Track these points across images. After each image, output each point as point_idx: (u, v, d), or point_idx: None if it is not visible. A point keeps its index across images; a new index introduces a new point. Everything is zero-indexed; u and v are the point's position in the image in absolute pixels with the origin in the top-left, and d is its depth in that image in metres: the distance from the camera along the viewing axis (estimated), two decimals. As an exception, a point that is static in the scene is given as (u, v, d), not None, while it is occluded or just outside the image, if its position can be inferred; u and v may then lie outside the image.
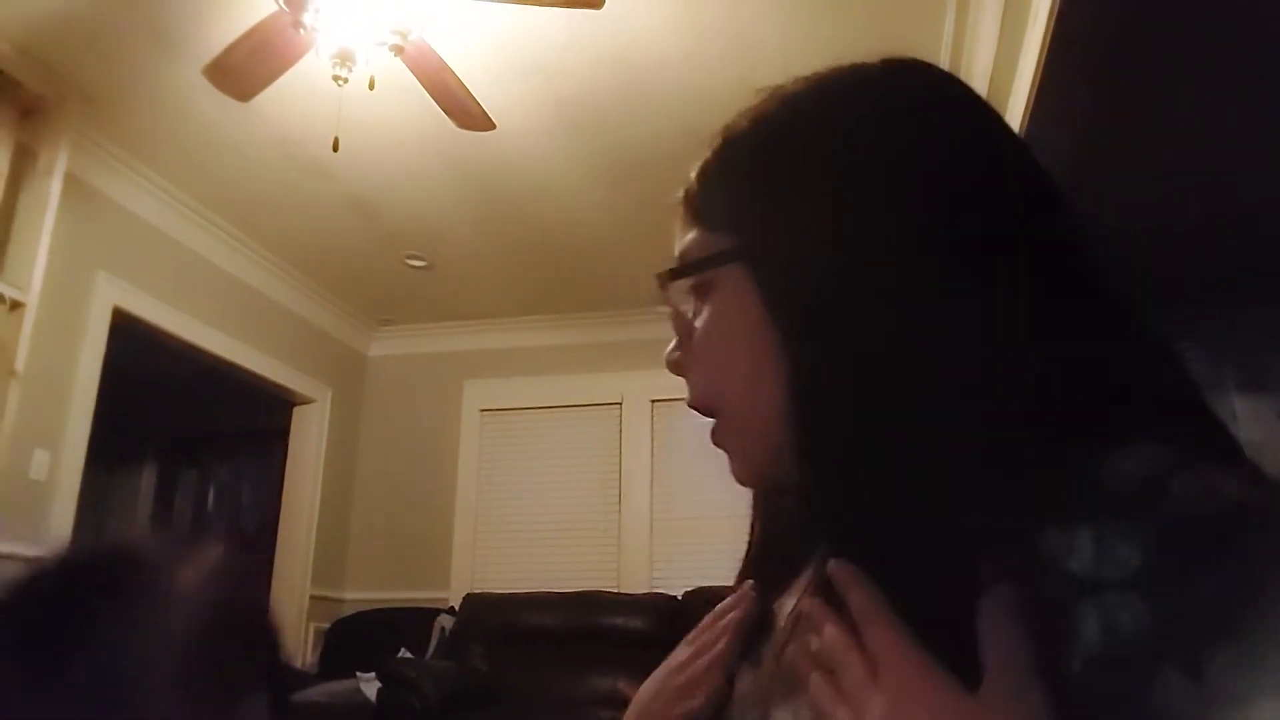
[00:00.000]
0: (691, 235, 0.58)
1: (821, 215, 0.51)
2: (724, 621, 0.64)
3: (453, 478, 4.71)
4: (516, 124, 3.01)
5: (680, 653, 0.67)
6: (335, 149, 2.51)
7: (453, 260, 4.15)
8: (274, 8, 2.24)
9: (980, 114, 0.58)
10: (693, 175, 0.63)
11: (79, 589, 0.54)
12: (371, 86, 2.36)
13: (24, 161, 2.79)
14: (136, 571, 0.56)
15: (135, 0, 2.52)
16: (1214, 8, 2.03)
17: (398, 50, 2.32)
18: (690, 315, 0.57)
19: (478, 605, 4.06)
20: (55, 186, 2.81)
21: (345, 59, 2.29)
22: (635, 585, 4.22)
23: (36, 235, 2.75)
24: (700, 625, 0.67)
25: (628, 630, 3.82)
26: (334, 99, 2.49)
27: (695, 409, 0.58)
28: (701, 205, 0.60)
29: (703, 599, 3.94)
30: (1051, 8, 1.85)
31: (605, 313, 4.62)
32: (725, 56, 2.73)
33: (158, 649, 0.52)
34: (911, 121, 0.56)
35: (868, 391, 0.47)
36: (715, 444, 0.58)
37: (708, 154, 0.63)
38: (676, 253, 0.60)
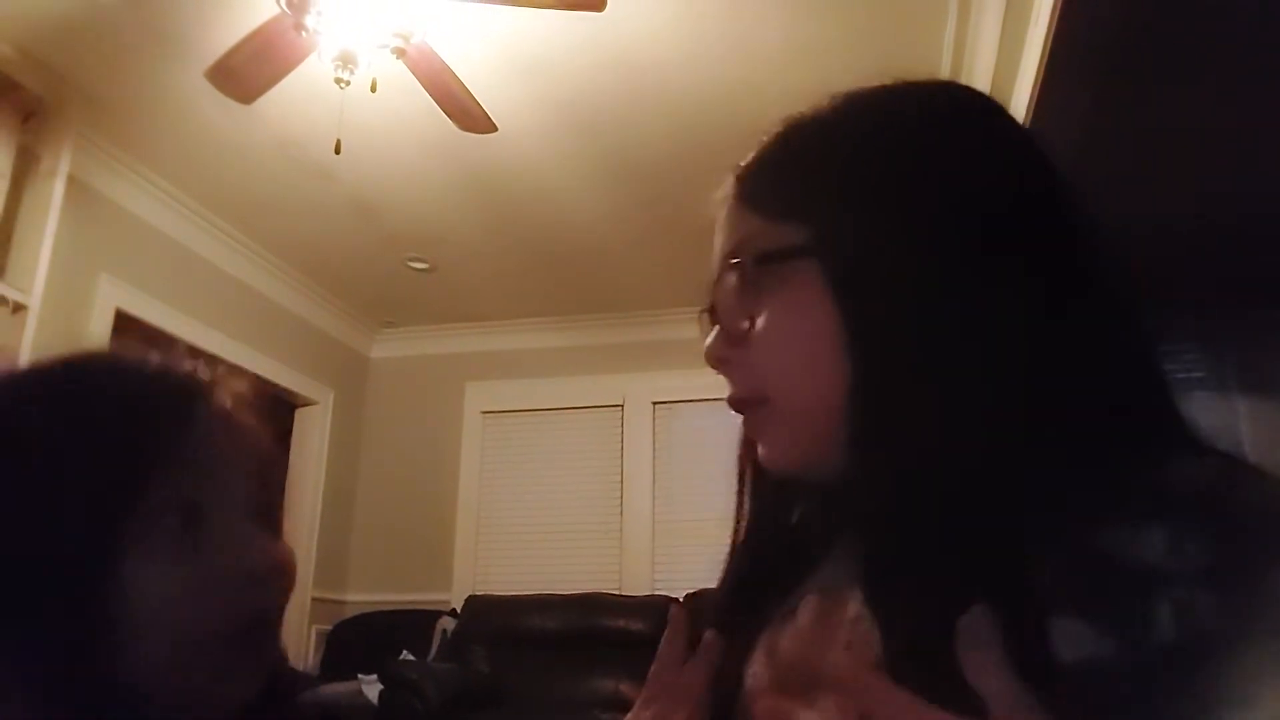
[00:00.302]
0: (753, 225, 0.58)
1: (897, 212, 0.52)
2: (685, 680, 0.59)
3: (454, 480, 4.71)
4: (518, 126, 3.01)
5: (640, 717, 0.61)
6: (337, 151, 2.51)
7: (454, 262, 4.15)
8: (276, 10, 2.25)
9: (1028, 133, 0.59)
10: (747, 163, 0.62)
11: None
12: (373, 89, 2.36)
13: (26, 164, 2.80)
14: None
15: (138, 3, 2.53)
16: (1214, 10, 2.03)
17: (399, 53, 2.32)
18: (743, 305, 0.57)
19: (480, 607, 4.07)
20: (58, 189, 2.81)
21: (347, 61, 2.29)
22: (637, 587, 4.22)
23: (39, 237, 2.75)
24: (652, 676, 0.61)
25: (629, 632, 3.82)
26: (336, 101, 2.50)
27: (741, 399, 0.58)
28: (764, 195, 0.59)
29: (704, 601, 3.94)
30: (1053, 10, 1.85)
31: (607, 315, 4.62)
32: (726, 59, 2.73)
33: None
34: (978, 130, 0.57)
35: (929, 387, 0.48)
36: (751, 433, 0.59)
37: (766, 141, 0.63)
38: (730, 242, 0.59)
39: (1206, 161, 2.96)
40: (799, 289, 0.54)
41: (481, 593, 4.22)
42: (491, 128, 2.72)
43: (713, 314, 0.61)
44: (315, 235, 3.88)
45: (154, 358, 0.61)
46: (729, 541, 0.66)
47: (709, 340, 0.60)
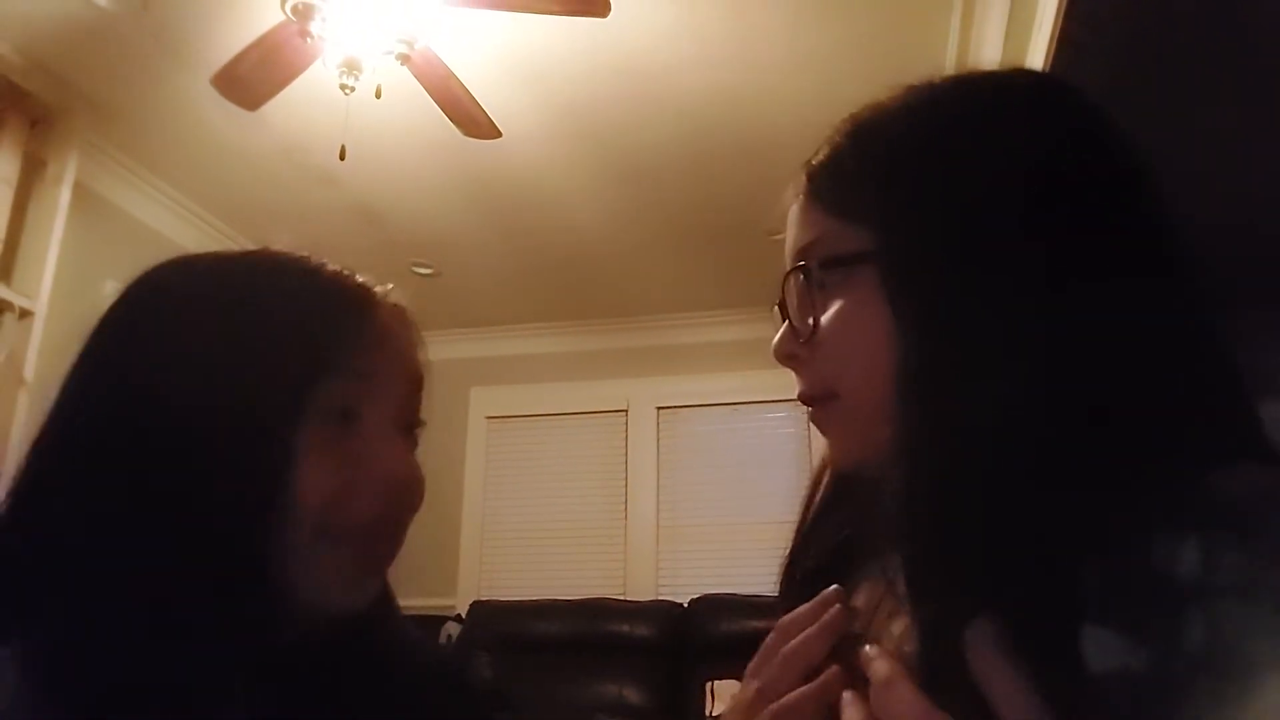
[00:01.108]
0: (821, 223, 0.58)
1: (961, 214, 0.52)
2: (801, 649, 0.56)
3: (459, 485, 4.71)
4: (522, 131, 3.02)
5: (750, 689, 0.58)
6: (342, 157, 2.52)
7: (459, 267, 4.16)
8: (281, 17, 2.26)
9: (1111, 130, 0.57)
10: (819, 160, 0.62)
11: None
12: (378, 95, 2.37)
13: (33, 170, 2.81)
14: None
15: (144, 10, 2.54)
16: (1220, 14, 2.03)
17: (404, 59, 2.33)
18: (809, 304, 0.58)
19: (484, 613, 4.06)
20: (64, 195, 2.82)
21: (352, 68, 2.30)
22: (642, 592, 4.22)
23: (45, 243, 2.76)
24: (768, 645, 0.59)
25: (634, 638, 3.81)
26: (341, 107, 2.50)
27: (810, 395, 0.59)
28: (833, 194, 0.59)
29: (709, 606, 3.95)
30: (1056, 18, 1.85)
31: (611, 320, 4.62)
32: (730, 64, 2.73)
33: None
34: (1052, 126, 0.56)
35: (977, 390, 0.48)
36: (820, 428, 0.61)
37: (837, 138, 0.62)
38: (800, 240, 0.60)
39: (1211, 164, 2.96)
40: (860, 291, 0.55)
41: (486, 598, 4.22)
42: (496, 133, 2.72)
43: (782, 309, 0.61)
44: (319, 240, 3.81)
45: (329, 264, 0.67)
46: (794, 529, 0.68)
47: (777, 336, 0.61)
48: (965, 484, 0.46)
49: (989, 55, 2.56)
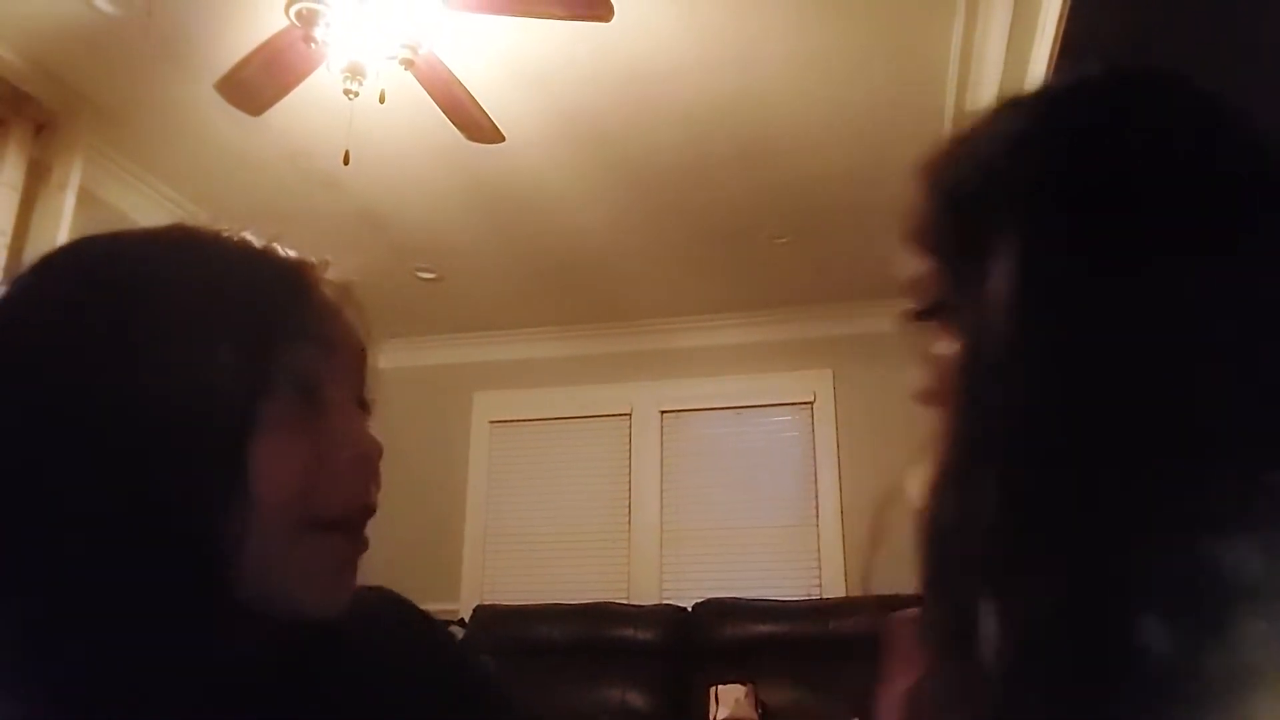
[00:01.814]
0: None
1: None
2: None
3: (463, 489, 4.71)
4: (525, 136, 3.02)
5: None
6: (346, 162, 2.52)
7: (462, 272, 4.16)
8: (285, 23, 2.26)
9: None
10: (949, 190, 0.53)
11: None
12: (382, 100, 2.37)
13: (38, 176, 2.82)
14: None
15: (148, 16, 2.54)
16: (1221, 21, 2.03)
17: (408, 64, 2.33)
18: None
19: (487, 617, 4.06)
20: (69, 200, 2.83)
21: (356, 73, 2.31)
22: (645, 597, 4.21)
23: (50, 249, 2.77)
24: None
25: (638, 642, 3.81)
26: (344, 112, 2.51)
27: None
28: (968, 233, 0.50)
29: (713, 610, 3.94)
30: (1059, 21, 1.85)
31: (614, 324, 4.62)
32: (733, 69, 2.74)
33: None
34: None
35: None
36: None
37: (966, 170, 0.53)
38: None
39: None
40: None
41: (489, 602, 4.22)
42: (499, 138, 2.73)
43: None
44: (323, 245, 3.84)
45: (257, 239, 0.62)
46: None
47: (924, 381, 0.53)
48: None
49: (992, 59, 2.56)
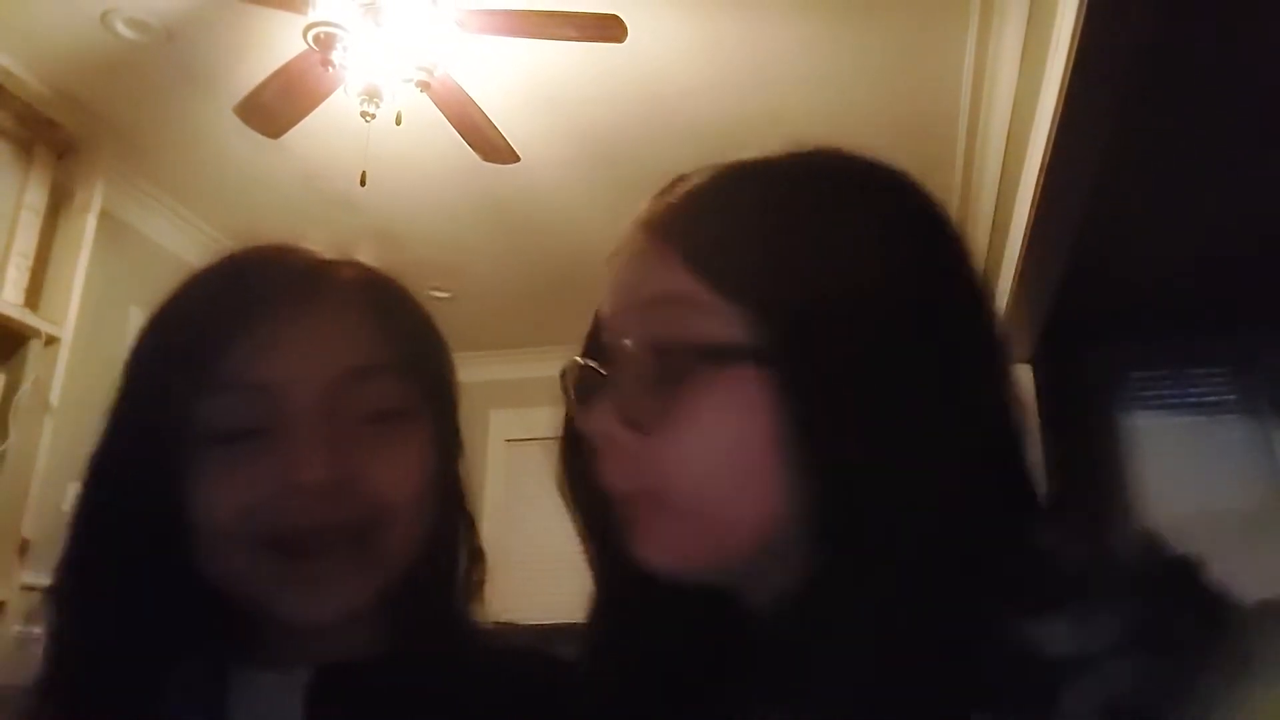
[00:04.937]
0: (694, 291, 0.48)
1: (856, 313, 0.46)
2: None
3: (479, 508, 4.68)
4: (540, 156, 3.04)
5: None
6: (363, 183, 2.54)
7: (477, 291, 4.18)
8: (303, 46, 2.29)
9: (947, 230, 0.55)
10: (676, 202, 0.55)
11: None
12: (399, 122, 2.39)
13: (60, 200, 2.85)
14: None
15: (168, 41, 2.58)
16: (1235, 37, 2.02)
17: (424, 86, 2.35)
18: (660, 390, 0.48)
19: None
20: (90, 224, 2.86)
21: (373, 95, 2.33)
22: (662, 616, 4.19)
23: (72, 271, 2.80)
24: None
25: (654, 661, 3.78)
26: (361, 134, 2.53)
27: (630, 492, 0.50)
28: (707, 256, 0.49)
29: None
30: (1072, 37, 1.85)
31: (629, 342, 4.62)
32: (746, 88, 2.75)
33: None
34: (936, 234, 0.54)
35: (904, 487, 0.43)
36: (632, 525, 0.51)
37: (703, 186, 0.56)
38: (656, 292, 0.51)
39: (1231, 186, 2.94)
40: (740, 390, 0.46)
41: (505, 620, 4.20)
42: (514, 158, 2.75)
43: (593, 369, 0.53)
44: (341, 266, 3.92)
45: (243, 249, 0.67)
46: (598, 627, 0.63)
47: (598, 411, 0.51)
48: (910, 585, 0.42)
49: (1005, 75, 2.56)
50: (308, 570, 0.56)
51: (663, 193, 0.60)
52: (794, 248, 0.48)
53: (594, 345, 0.57)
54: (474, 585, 0.70)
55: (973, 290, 0.51)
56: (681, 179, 0.59)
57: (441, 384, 0.69)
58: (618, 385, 0.51)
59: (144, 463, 0.55)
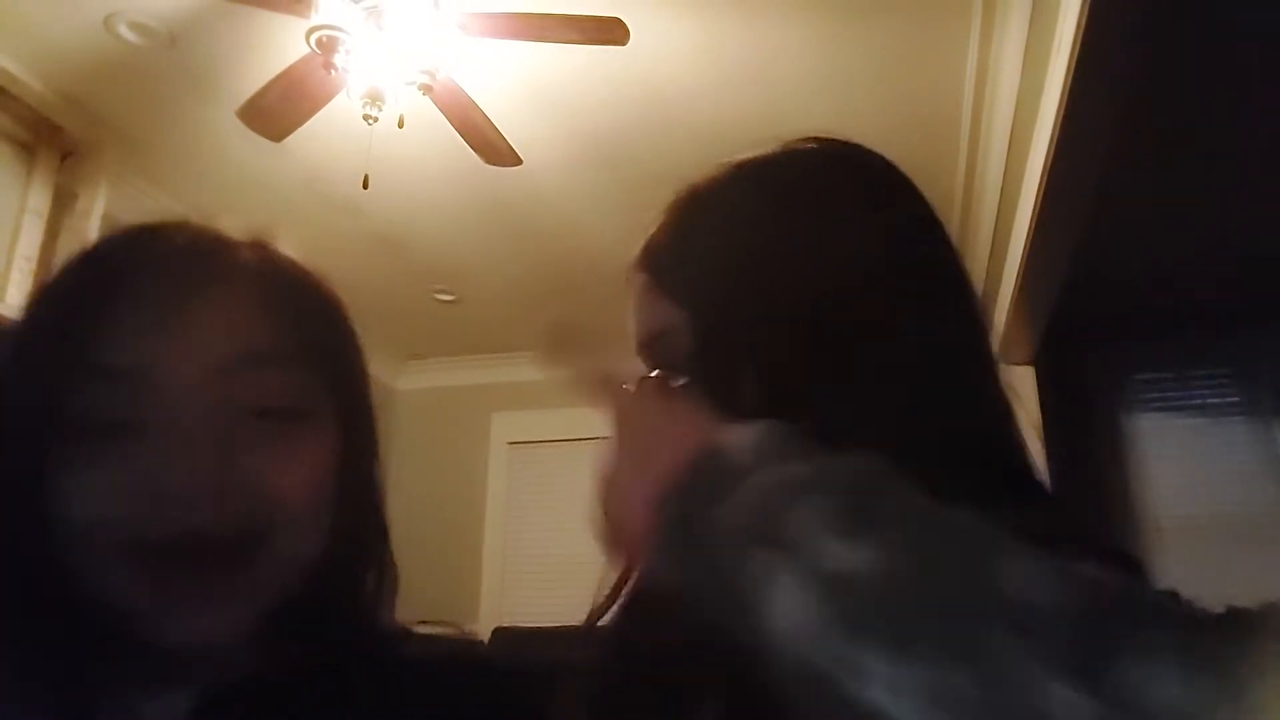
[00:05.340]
0: (675, 312, 0.55)
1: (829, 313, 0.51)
2: None
3: (481, 511, 4.71)
4: (542, 158, 3.04)
5: None
6: (365, 186, 2.55)
7: (481, 294, 4.18)
8: (306, 50, 2.29)
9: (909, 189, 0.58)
10: (653, 237, 0.61)
11: None
12: (401, 125, 2.40)
13: (64, 203, 2.86)
14: None
15: (171, 45, 2.59)
16: (1236, 38, 2.02)
17: (426, 89, 2.36)
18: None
19: (506, 639, 4.04)
20: (93, 226, 2.87)
21: (375, 98, 2.33)
22: (664, 618, 4.18)
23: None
24: None
25: (657, 664, 3.78)
26: (364, 137, 2.54)
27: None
28: (680, 281, 0.56)
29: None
30: (1074, 39, 1.85)
31: (632, 344, 4.62)
32: (749, 90, 2.75)
33: None
34: (863, 199, 0.58)
35: None
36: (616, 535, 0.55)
37: (669, 217, 0.62)
38: (649, 329, 0.57)
39: (1234, 187, 2.94)
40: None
41: (508, 624, 4.20)
42: (516, 161, 2.75)
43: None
44: (342, 268, 3.87)
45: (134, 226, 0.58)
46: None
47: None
48: None
49: (1007, 77, 2.56)
50: (181, 586, 0.49)
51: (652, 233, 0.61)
52: (715, 257, 0.54)
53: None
54: (383, 599, 0.62)
55: (948, 283, 0.54)
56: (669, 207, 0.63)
57: (349, 381, 0.60)
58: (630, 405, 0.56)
59: (9, 456, 0.49)
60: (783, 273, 0.52)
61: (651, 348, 0.56)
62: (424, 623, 0.69)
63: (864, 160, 0.60)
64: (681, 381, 0.53)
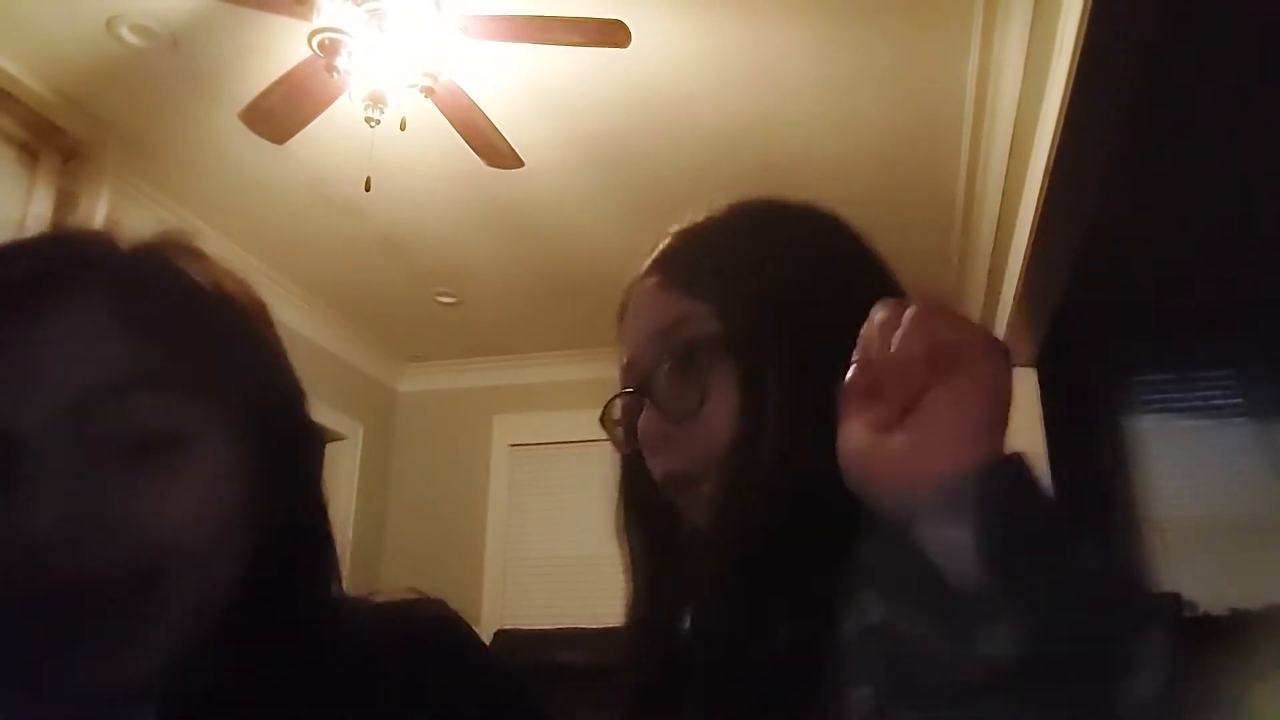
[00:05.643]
0: (687, 305, 0.64)
1: (787, 313, 0.61)
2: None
3: (483, 513, 4.71)
4: (544, 161, 3.05)
5: None
6: (367, 189, 2.55)
7: (482, 296, 4.18)
8: (308, 53, 2.30)
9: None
10: (670, 251, 0.73)
11: None
12: (403, 127, 2.40)
13: (66, 205, 2.86)
14: None
15: (174, 47, 2.59)
16: (1238, 40, 2.02)
17: (428, 91, 2.36)
18: (694, 382, 0.62)
19: (508, 641, 4.05)
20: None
21: (377, 101, 2.34)
22: (666, 620, 4.18)
23: None
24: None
25: (659, 666, 3.78)
26: (366, 140, 2.54)
27: (686, 474, 0.63)
28: (696, 278, 0.66)
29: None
30: (1075, 43, 1.85)
31: (633, 346, 4.62)
32: (751, 92, 2.75)
33: None
34: (842, 250, 0.67)
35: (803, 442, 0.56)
36: (695, 504, 0.64)
37: (688, 237, 0.73)
38: (665, 320, 0.65)
39: (1237, 188, 2.94)
40: (723, 371, 0.61)
41: (510, 626, 4.20)
42: (518, 163, 2.75)
43: (644, 390, 0.66)
44: (345, 271, 3.93)
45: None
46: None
47: (645, 417, 0.65)
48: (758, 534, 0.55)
49: (1009, 79, 2.56)
50: (76, 636, 0.46)
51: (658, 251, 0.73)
52: (757, 273, 0.64)
53: (628, 381, 0.69)
54: (329, 581, 0.60)
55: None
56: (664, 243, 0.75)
57: (247, 396, 0.54)
58: (657, 393, 0.64)
59: None
60: (789, 274, 0.63)
61: (667, 334, 0.64)
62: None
63: (834, 214, 0.71)
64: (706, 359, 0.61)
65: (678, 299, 0.65)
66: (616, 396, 0.71)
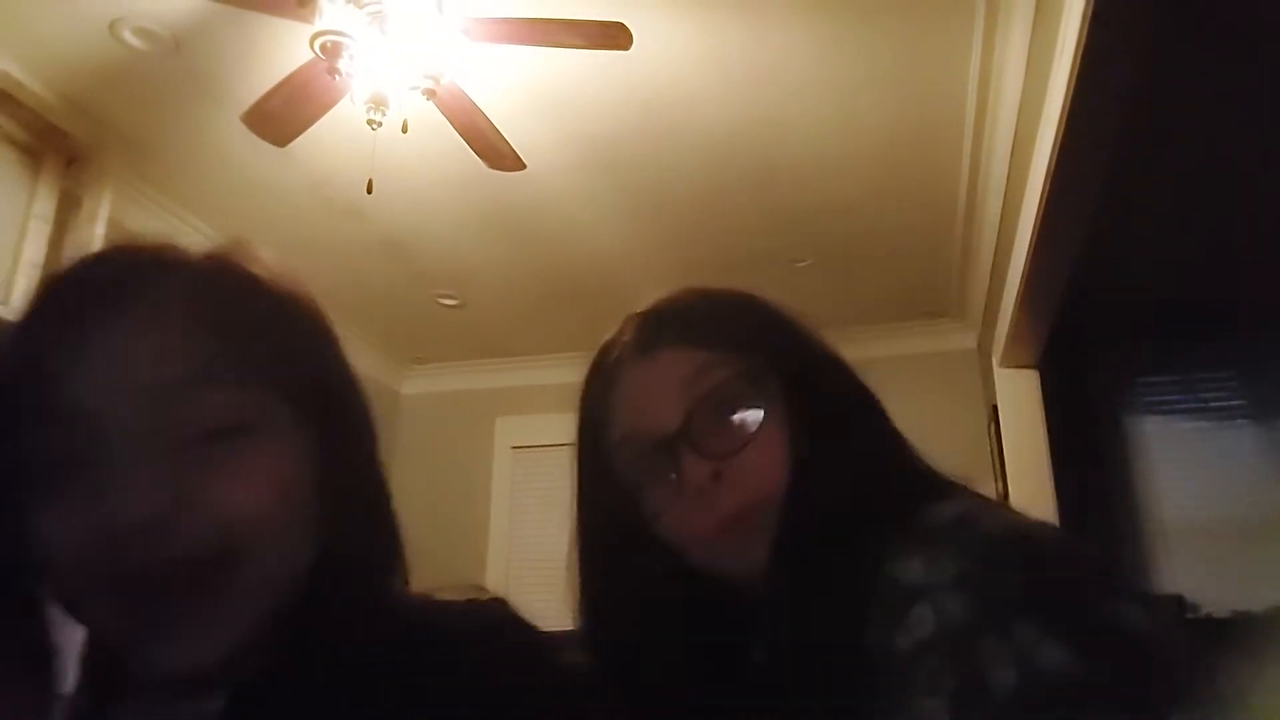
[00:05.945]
0: (714, 356, 0.71)
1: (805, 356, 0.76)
2: None
3: (485, 515, 4.71)
4: (546, 163, 3.05)
5: None
6: (369, 191, 2.55)
7: (484, 298, 4.19)
8: (310, 55, 2.30)
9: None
10: (688, 310, 0.79)
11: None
12: (405, 130, 2.40)
13: (69, 208, 2.87)
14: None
15: (176, 51, 2.60)
16: (1239, 42, 2.03)
17: (430, 94, 2.36)
18: (733, 424, 0.68)
19: (510, 643, 4.04)
20: (99, 232, 2.88)
21: (379, 103, 2.34)
22: (668, 623, 4.18)
23: None
24: None
25: (661, 668, 3.77)
26: (367, 142, 2.54)
27: (740, 514, 0.67)
28: (720, 335, 0.73)
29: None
30: (1077, 45, 1.85)
31: (635, 348, 4.62)
32: (752, 94, 2.75)
33: None
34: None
35: (841, 462, 0.69)
36: (745, 545, 0.67)
37: (703, 301, 0.80)
38: (697, 370, 0.70)
39: (1239, 190, 2.93)
40: (769, 405, 0.69)
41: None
42: (520, 165, 2.75)
43: (693, 441, 0.69)
44: (346, 273, 3.93)
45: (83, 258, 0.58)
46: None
47: (693, 465, 0.68)
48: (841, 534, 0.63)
49: (1010, 81, 2.56)
50: (157, 617, 0.50)
51: (644, 327, 0.79)
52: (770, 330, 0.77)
53: (649, 440, 0.72)
54: (396, 576, 0.65)
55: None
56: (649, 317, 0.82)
57: (311, 386, 0.58)
58: (697, 435, 0.68)
59: None
60: (768, 319, 0.78)
61: (691, 384, 0.69)
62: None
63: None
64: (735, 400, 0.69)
65: (689, 353, 0.70)
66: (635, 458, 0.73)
